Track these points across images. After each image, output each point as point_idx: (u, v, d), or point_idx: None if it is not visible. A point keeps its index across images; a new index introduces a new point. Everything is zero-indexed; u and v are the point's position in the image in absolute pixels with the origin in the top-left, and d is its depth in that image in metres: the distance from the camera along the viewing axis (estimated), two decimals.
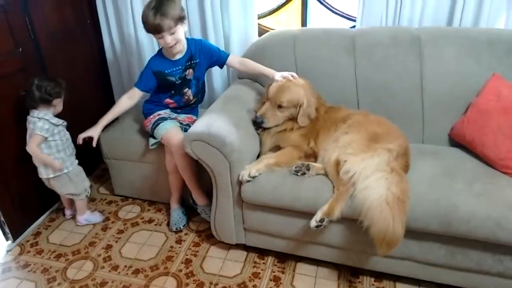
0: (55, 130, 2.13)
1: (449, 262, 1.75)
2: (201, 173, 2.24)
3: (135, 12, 2.59)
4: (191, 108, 2.43)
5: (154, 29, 2.06)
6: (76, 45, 2.64)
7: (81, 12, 2.67)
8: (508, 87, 1.96)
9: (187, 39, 2.24)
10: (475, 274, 1.75)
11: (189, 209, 2.43)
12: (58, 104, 2.18)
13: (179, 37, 2.12)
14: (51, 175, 2.19)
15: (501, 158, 1.83)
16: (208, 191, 2.26)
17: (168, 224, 2.38)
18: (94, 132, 2.20)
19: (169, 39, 2.08)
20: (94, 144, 2.20)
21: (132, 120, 2.59)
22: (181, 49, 2.19)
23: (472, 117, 1.99)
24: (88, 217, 2.42)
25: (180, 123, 2.29)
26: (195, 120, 2.32)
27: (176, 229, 2.32)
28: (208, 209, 2.26)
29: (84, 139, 2.19)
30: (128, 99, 2.25)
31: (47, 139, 2.11)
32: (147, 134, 2.36)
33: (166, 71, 2.23)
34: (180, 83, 2.27)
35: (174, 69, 2.23)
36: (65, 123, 2.19)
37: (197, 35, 2.60)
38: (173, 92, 2.30)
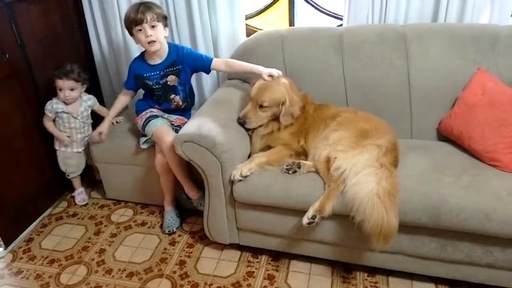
0: (59, 114, 2.37)
1: (440, 255, 1.77)
2: (192, 167, 2.21)
3: (122, 15, 2.57)
4: (184, 111, 2.43)
5: (135, 20, 2.07)
6: (64, 49, 2.62)
7: (68, 17, 2.65)
8: (493, 81, 1.99)
9: (169, 44, 2.24)
10: (466, 265, 1.78)
11: (183, 211, 2.43)
12: (59, 87, 2.33)
13: (158, 35, 2.12)
14: (75, 150, 2.50)
15: (488, 151, 1.85)
16: (199, 184, 2.25)
17: (161, 227, 2.38)
18: (102, 128, 2.36)
19: (149, 31, 2.08)
20: (103, 138, 2.36)
21: (122, 123, 2.58)
22: (159, 49, 2.18)
23: (459, 111, 2.02)
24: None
25: (172, 124, 2.29)
26: (186, 122, 2.31)
27: (169, 231, 2.32)
28: (203, 201, 2.24)
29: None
30: (124, 97, 2.41)
31: (54, 120, 2.40)
32: (138, 136, 2.36)
33: (144, 75, 2.25)
34: (160, 88, 2.27)
35: (152, 73, 2.24)
36: (68, 110, 2.38)
37: (185, 35, 2.60)
38: (155, 98, 2.31)
